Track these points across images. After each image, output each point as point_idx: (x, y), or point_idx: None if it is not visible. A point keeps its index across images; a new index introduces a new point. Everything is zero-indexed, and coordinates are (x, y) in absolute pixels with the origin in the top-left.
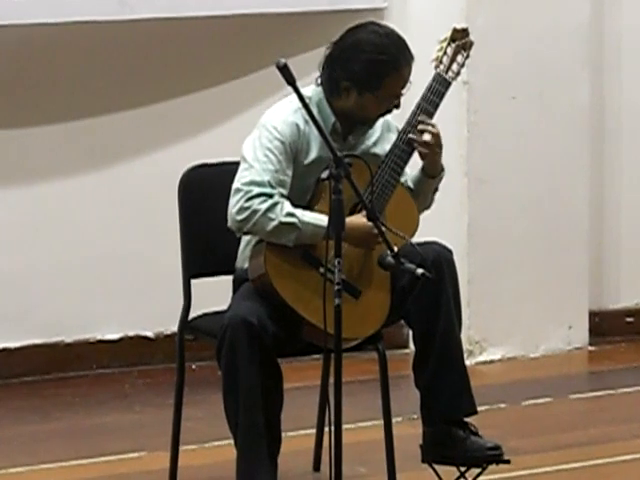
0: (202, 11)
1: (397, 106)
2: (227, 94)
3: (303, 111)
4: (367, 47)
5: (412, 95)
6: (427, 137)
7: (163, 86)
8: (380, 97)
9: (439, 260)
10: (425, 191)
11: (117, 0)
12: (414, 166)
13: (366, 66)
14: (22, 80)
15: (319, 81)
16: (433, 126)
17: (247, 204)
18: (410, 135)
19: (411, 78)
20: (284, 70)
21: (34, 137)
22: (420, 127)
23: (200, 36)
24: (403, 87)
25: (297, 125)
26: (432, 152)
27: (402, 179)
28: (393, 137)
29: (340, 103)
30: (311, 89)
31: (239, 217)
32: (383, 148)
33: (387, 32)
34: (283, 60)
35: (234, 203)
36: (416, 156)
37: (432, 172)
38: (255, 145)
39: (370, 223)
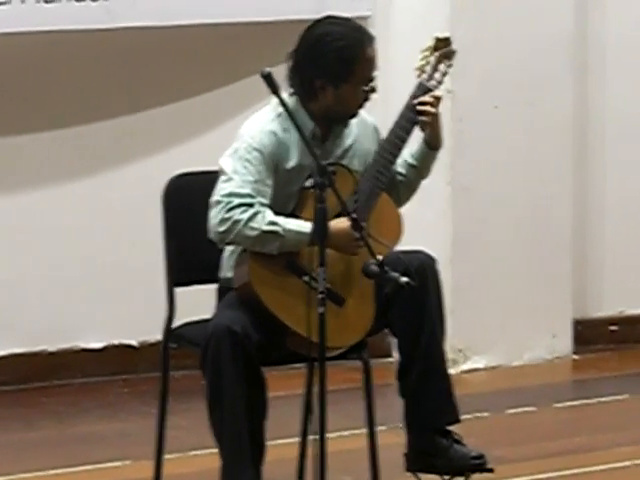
0: (187, 20)
1: (373, 90)
2: (212, 102)
3: (281, 119)
4: (329, 38)
5: (396, 104)
6: (428, 106)
7: (147, 94)
8: (355, 84)
9: (423, 269)
10: (428, 164)
11: (102, 9)
12: (411, 144)
13: (334, 56)
14: (6, 88)
15: (291, 91)
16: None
17: (228, 215)
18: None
19: (395, 87)
20: (268, 79)
21: (18, 146)
22: (419, 108)
23: (185, 45)
24: (373, 68)
25: (275, 133)
26: (435, 120)
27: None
28: (371, 133)
29: (318, 104)
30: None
31: (221, 228)
32: (362, 146)
33: (343, 20)
34: (267, 69)
35: (214, 215)
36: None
37: (437, 143)
38: (233, 157)
39: (352, 227)
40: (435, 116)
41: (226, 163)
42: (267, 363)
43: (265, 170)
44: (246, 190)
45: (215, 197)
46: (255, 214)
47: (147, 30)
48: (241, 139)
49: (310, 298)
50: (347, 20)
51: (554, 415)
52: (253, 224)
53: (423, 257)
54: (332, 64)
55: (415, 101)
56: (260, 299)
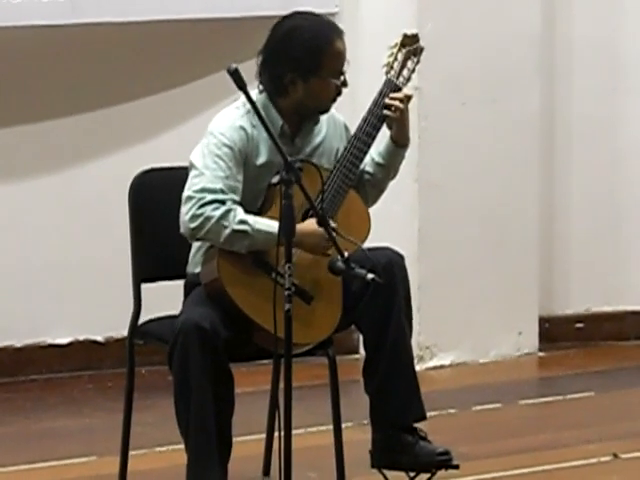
0: (154, 15)
1: (344, 84)
2: (179, 98)
3: (250, 115)
4: (297, 32)
5: (364, 101)
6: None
7: (114, 90)
8: (325, 77)
9: (391, 265)
10: (395, 163)
11: (69, 4)
12: (378, 143)
13: (302, 50)
14: None
15: (261, 88)
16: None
17: (200, 211)
18: (385, 111)
19: (362, 83)
20: (235, 75)
21: None
22: (387, 102)
23: (151, 40)
24: (343, 62)
25: (245, 129)
26: (402, 117)
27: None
28: (341, 132)
29: (289, 100)
30: (254, 95)
31: (192, 224)
32: (331, 144)
33: (311, 15)
34: (234, 65)
35: (186, 210)
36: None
37: (403, 141)
38: (204, 152)
39: (322, 229)
40: (402, 112)
41: (197, 159)
42: (234, 359)
43: (235, 166)
44: (218, 186)
45: (187, 192)
46: (227, 212)
47: (113, 26)
48: (211, 135)
49: (277, 295)
50: (314, 15)
51: (520, 412)
52: (224, 222)
53: (391, 254)
54: (300, 57)
55: (386, 99)
56: (229, 295)
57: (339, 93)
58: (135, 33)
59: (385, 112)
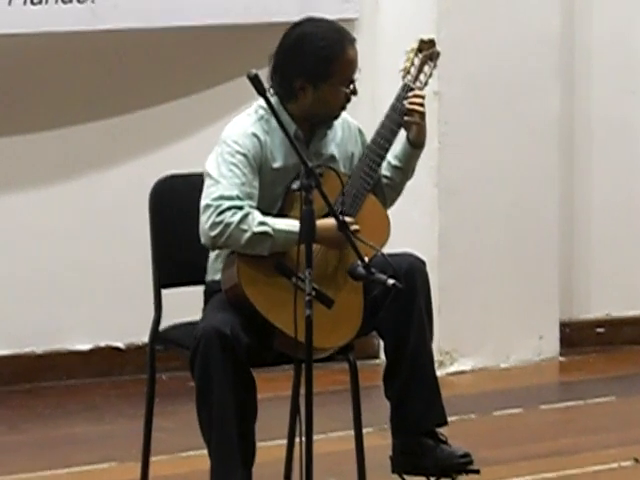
0: (173, 22)
1: (354, 92)
2: (198, 104)
3: (262, 122)
4: (309, 38)
5: (383, 106)
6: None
7: (133, 97)
8: (335, 84)
9: (412, 271)
10: (412, 164)
11: (88, 10)
12: (393, 146)
13: (314, 56)
14: None
15: (272, 91)
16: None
17: (219, 218)
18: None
19: (382, 88)
20: (255, 80)
21: (4, 147)
22: (409, 107)
23: (170, 47)
24: (354, 70)
25: (257, 136)
26: (420, 119)
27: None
28: (355, 136)
29: (298, 105)
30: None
31: (212, 232)
32: (346, 149)
33: (324, 21)
34: (254, 71)
35: (205, 219)
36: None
37: (420, 141)
38: (218, 161)
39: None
40: (423, 116)
41: (211, 168)
42: (255, 365)
43: (250, 172)
44: (234, 193)
45: (204, 201)
46: (245, 216)
47: (132, 32)
48: (224, 143)
49: (298, 299)
50: (328, 21)
51: (540, 417)
52: (244, 226)
53: (412, 259)
54: (311, 64)
55: (405, 102)
56: (250, 301)
57: (348, 100)
58: (154, 39)
59: (406, 118)
